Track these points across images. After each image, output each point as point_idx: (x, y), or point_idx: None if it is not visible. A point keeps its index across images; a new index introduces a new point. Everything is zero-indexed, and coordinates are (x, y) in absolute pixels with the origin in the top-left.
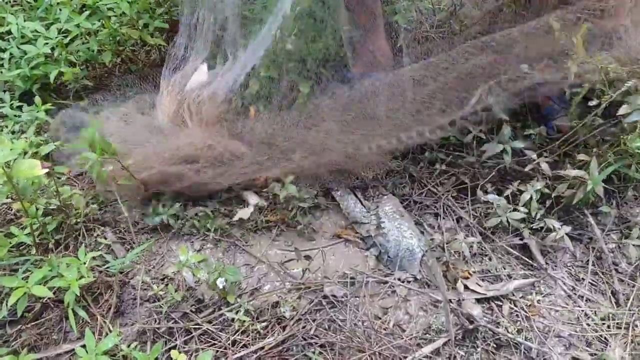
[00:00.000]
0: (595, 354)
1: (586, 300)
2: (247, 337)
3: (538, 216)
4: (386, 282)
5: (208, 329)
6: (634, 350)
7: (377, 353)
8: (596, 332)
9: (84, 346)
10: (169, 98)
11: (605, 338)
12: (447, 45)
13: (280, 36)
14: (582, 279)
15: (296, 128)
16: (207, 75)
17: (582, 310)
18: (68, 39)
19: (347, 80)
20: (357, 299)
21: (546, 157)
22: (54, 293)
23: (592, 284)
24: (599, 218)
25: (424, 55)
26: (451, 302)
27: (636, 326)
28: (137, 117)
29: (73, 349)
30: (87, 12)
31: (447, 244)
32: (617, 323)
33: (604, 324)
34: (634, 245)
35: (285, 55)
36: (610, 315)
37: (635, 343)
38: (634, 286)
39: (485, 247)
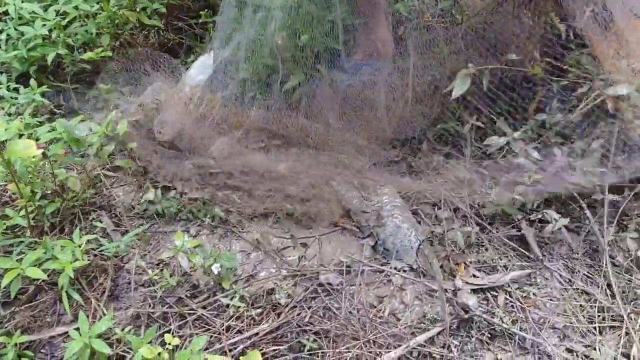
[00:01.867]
0: (589, 346)
1: (582, 293)
2: (242, 323)
3: (536, 207)
4: (382, 271)
5: (203, 315)
6: (627, 342)
7: (371, 341)
8: (591, 324)
9: (77, 329)
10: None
11: (599, 330)
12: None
13: (282, 25)
14: (578, 271)
15: (296, 119)
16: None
17: (578, 303)
18: (66, 21)
19: (347, 69)
20: (353, 287)
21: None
22: (48, 275)
23: (587, 276)
24: (597, 211)
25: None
26: (447, 291)
27: (630, 319)
28: None
29: (67, 332)
30: None
31: (443, 233)
32: (612, 316)
33: (598, 316)
34: (631, 238)
35: (287, 45)
36: (605, 307)
37: (630, 335)
38: (629, 280)
39: (482, 238)
